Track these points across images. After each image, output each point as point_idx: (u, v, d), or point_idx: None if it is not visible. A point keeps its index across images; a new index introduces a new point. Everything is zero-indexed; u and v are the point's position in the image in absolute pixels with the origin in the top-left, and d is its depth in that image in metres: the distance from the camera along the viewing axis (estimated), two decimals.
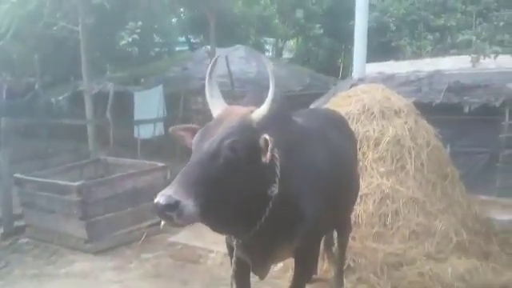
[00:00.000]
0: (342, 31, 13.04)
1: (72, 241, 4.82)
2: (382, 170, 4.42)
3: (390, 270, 3.71)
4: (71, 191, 4.73)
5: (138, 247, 4.88)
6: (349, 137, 3.29)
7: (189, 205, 1.67)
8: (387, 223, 4.19)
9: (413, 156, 4.50)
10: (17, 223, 5.33)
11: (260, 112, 1.96)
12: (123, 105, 8.91)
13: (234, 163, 1.81)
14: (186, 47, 14.59)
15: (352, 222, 3.79)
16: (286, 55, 17.23)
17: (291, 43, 17.71)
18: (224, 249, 2.75)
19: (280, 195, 2.05)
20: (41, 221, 5.08)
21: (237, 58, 10.82)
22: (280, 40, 16.04)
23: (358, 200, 4.31)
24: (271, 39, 16.28)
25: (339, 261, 3.67)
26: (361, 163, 4.50)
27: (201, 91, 9.86)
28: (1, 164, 5.29)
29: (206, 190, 1.73)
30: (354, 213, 4.22)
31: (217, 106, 2.08)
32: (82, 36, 7.67)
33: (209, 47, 9.78)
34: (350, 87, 5.18)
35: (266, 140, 1.85)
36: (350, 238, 4.13)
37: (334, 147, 2.78)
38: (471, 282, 3.66)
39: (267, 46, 16.98)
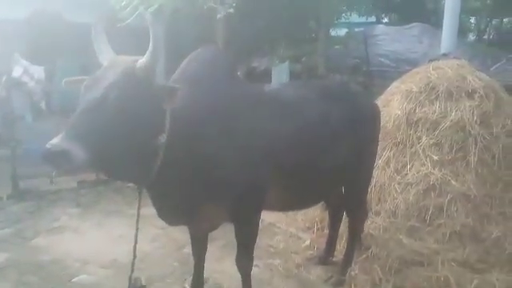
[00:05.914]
0: None
1: None
2: (435, 158, 3.85)
3: (401, 268, 3.29)
4: None
5: None
6: (352, 114, 2.94)
7: (75, 151, 1.76)
8: (426, 218, 3.68)
9: (479, 146, 3.78)
10: None
11: (142, 62, 1.98)
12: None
13: (115, 111, 1.88)
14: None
15: (366, 208, 3.45)
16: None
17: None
18: None
19: (177, 147, 2.08)
20: None
21: (408, 37, 10.44)
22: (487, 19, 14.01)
23: (400, 189, 3.92)
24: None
25: (347, 245, 3.44)
26: (414, 148, 4.02)
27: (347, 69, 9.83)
28: None
29: (91, 137, 1.82)
30: (394, 202, 3.89)
31: (105, 56, 2.14)
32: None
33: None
34: (428, 62, 4.50)
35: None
36: (382, 230, 3.83)
37: (305, 119, 2.66)
38: None
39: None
